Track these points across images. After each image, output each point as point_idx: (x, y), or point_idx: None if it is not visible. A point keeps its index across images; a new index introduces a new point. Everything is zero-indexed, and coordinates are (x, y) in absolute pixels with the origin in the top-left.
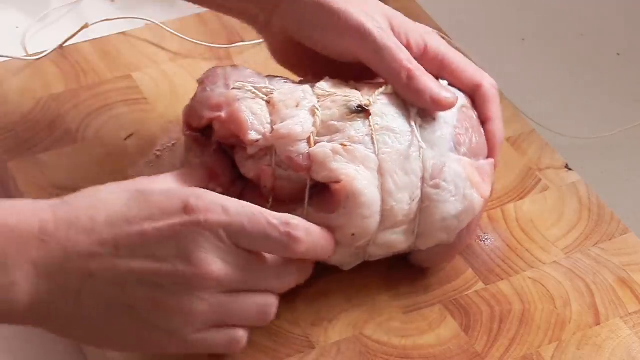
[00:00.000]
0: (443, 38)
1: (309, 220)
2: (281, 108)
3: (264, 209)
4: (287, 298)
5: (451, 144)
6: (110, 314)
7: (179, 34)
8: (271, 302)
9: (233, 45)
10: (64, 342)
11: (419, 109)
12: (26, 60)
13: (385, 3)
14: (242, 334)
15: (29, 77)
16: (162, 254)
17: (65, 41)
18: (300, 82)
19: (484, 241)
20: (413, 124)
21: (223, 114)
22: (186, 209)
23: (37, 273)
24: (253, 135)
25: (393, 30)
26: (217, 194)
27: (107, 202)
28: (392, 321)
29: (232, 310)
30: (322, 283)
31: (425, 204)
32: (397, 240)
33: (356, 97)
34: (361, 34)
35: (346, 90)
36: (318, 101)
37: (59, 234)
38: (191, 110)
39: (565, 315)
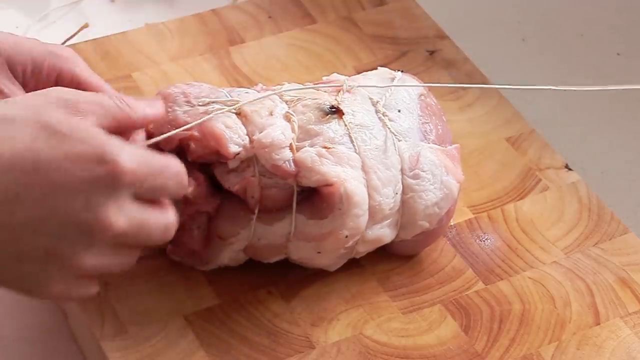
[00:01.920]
0: (443, 39)
1: (300, 228)
2: (255, 118)
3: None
4: (287, 298)
5: (420, 134)
6: None
7: None
8: (134, 257)
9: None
10: (64, 342)
11: (383, 102)
12: None
13: (384, 4)
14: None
15: None
16: (69, 206)
17: (65, 41)
18: (259, 90)
19: (484, 241)
20: (383, 117)
21: (196, 132)
22: (101, 160)
23: None
24: (234, 148)
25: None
26: (133, 145)
27: (11, 138)
28: (392, 321)
29: (114, 263)
30: (322, 283)
31: (407, 195)
32: (383, 233)
33: (324, 98)
34: None
35: (311, 92)
36: (288, 107)
37: None
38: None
39: (565, 315)
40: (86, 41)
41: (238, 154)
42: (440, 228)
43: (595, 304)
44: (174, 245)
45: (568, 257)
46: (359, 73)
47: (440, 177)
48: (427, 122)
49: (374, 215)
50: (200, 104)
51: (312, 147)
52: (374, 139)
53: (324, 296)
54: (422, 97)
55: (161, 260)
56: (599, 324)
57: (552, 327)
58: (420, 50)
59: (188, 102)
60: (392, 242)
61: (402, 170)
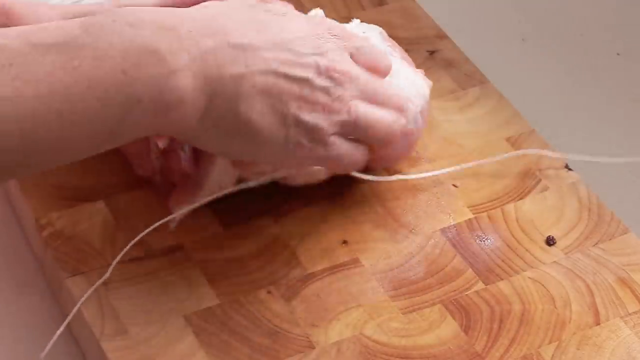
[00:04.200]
0: (443, 39)
1: None
2: None
3: None
4: (287, 298)
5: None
6: (262, 113)
7: None
8: (397, 118)
9: None
10: (64, 342)
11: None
12: None
13: (385, 3)
14: (364, 151)
15: None
16: (320, 54)
17: None
18: None
19: (483, 241)
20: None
21: None
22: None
23: (197, 66)
24: None
25: None
26: None
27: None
28: (392, 321)
29: (366, 115)
30: (322, 283)
31: None
32: None
33: None
34: None
35: None
36: None
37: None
38: None
39: (565, 315)
40: None
41: None
42: (417, 130)
43: (595, 304)
44: (163, 175)
45: (568, 257)
46: None
47: (410, 76)
48: (392, 47)
49: None
50: None
51: None
52: None
53: (324, 296)
54: (383, 34)
55: (161, 260)
56: (599, 324)
57: (552, 327)
58: (420, 50)
59: None
60: (373, 152)
61: None
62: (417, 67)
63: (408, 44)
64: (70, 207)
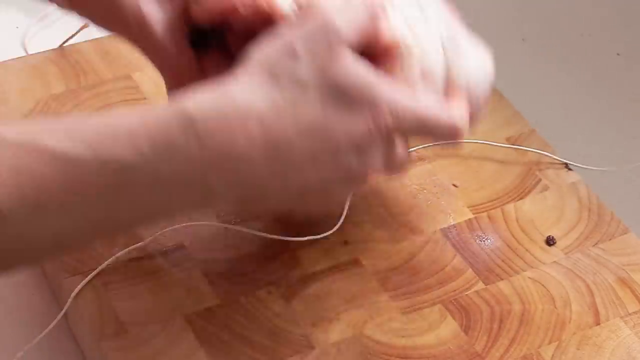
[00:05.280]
0: None
1: None
2: None
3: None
4: (287, 298)
5: None
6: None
7: None
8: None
9: None
10: (64, 342)
11: None
12: (26, 60)
13: None
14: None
15: (29, 77)
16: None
17: (65, 41)
18: None
19: (483, 241)
20: None
21: None
22: (372, 114)
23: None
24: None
25: None
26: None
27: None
28: (392, 321)
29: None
30: (322, 283)
31: None
32: None
33: None
34: None
35: None
36: None
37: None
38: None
39: (565, 315)
40: (86, 41)
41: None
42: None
43: (595, 304)
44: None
45: (568, 257)
46: None
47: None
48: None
49: None
50: None
51: None
52: None
53: (324, 296)
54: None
55: (161, 260)
56: (599, 324)
57: (552, 327)
58: None
59: None
60: None
61: None
62: None
63: None
64: None
